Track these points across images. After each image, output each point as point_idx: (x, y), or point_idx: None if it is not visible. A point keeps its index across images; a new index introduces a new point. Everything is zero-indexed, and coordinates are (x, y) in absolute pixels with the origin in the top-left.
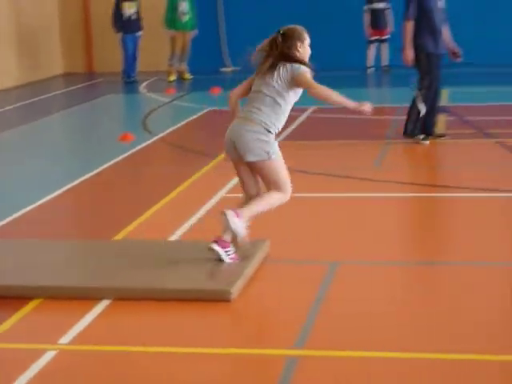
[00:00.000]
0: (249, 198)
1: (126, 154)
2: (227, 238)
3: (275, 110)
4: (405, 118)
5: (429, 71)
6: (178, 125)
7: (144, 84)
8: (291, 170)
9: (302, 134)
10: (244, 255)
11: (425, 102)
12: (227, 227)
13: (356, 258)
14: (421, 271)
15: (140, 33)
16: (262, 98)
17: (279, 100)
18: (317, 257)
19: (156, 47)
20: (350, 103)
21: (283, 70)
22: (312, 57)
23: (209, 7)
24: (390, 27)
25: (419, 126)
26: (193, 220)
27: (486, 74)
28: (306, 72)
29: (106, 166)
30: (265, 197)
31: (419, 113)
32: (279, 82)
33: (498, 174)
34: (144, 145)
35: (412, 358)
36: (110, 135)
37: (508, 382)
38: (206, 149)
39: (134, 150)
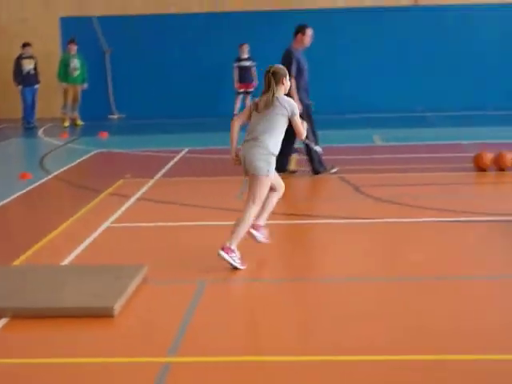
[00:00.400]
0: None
1: (24, 190)
2: (232, 245)
3: (277, 138)
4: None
5: (307, 119)
6: (71, 165)
7: (42, 129)
8: (168, 203)
9: (177, 171)
10: (126, 277)
11: (315, 142)
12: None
13: (220, 277)
14: (273, 287)
15: (37, 85)
16: (267, 128)
17: (281, 130)
18: (188, 277)
19: (51, 98)
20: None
21: (281, 107)
22: (189, 105)
23: (98, 64)
24: (255, 81)
25: (322, 163)
26: (83, 246)
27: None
28: (297, 113)
29: (6, 200)
30: (243, 219)
31: (317, 153)
32: (279, 116)
33: (343, 204)
34: (41, 182)
35: (277, 360)
36: (11, 174)
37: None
38: (94, 185)
39: (32, 187)
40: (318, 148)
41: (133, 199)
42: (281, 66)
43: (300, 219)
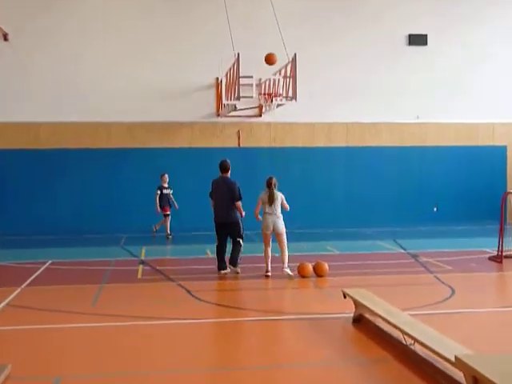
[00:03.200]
0: (268, 246)
1: None
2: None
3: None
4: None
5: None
6: None
7: None
8: (33, 309)
9: (41, 280)
10: None
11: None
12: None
13: (75, 373)
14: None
15: None
16: (277, 207)
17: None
18: (47, 373)
19: None
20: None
21: (279, 196)
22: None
23: None
24: (175, 206)
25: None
26: None
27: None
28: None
29: None
30: (284, 253)
31: (240, 251)
32: (279, 200)
33: (184, 307)
34: None
35: None
36: None
37: None
38: None
39: None
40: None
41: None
42: (272, 176)
43: (150, 321)
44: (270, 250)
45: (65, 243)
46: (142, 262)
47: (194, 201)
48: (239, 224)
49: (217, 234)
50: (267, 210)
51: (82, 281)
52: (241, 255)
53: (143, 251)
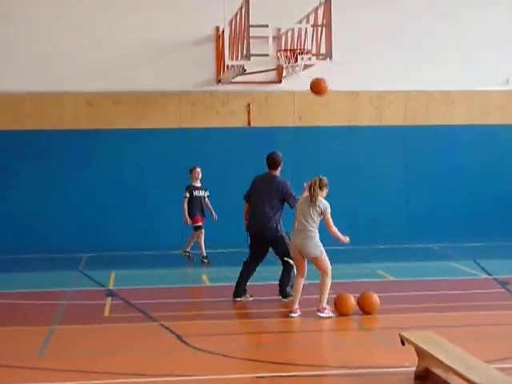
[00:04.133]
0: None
1: None
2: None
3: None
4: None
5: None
6: None
7: None
8: None
9: None
10: None
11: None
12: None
13: None
14: None
15: None
16: (310, 220)
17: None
18: None
19: None
20: None
21: (321, 206)
22: None
23: None
24: (212, 215)
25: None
26: None
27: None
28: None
29: None
30: (322, 286)
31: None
32: (316, 211)
33: (162, 359)
34: None
35: None
36: None
37: None
38: None
39: None
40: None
41: None
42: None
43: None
44: (302, 280)
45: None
46: (111, 294)
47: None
48: (284, 239)
49: (250, 249)
50: (296, 224)
51: (24, 321)
52: (292, 281)
53: (112, 277)
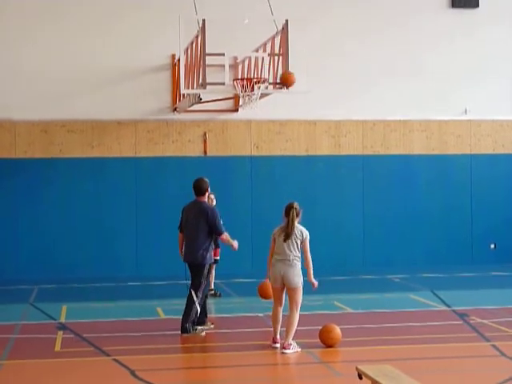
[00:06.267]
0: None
1: None
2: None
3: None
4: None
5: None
6: None
7: None
8: None
9: None
10: None
11: (200, 300)
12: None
13: None
14: None
15: None
16: (292, 249)
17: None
18: None
19: None
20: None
21: (301, 233)
22: None
23: None
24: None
25: (195, 322)
26: None
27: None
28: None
29: None
30: (292, 320)
31: (196, 311)
32: (298, 239)
33: None
34: None
35: None
36: None
37: None
38: None
39: None
40: (198, 308)
41: None
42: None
43: None
44: (280, 310)
45: None
46: (62, 327)
47: (143, 235)
48: (203, 269)
49: (191, 278)
50: (277, 253)
51: None
52: (194, 317)
53: (64, 310)
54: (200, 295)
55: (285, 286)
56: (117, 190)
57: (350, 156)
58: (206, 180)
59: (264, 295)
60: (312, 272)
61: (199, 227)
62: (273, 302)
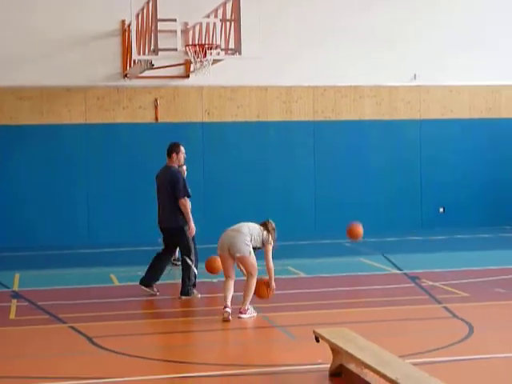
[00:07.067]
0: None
1: None
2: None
3: None
4: None
5: (192, 240)
6: None
7: None
8: None
9: None
10: None
11: (195, 263)
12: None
13: None
14: None
15: None
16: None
17: None
18: None
19: None
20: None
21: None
22: None
23: None
24: None
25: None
26: None
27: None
28: None
29: None
30: (249, 286)
31: (195, 275)
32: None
33: (73, 361)
34: None
35: None
36: None
37: None
38: None
39: None
40: (195, 270)
41: None
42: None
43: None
44: (231, 283)
45: None
46: (16, 296)
47: (95, 203)
48: (185, 232)
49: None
50: (231, 227)
51: None
52: (193, 280)
53: (17, 278)
54: (193, 258)
55: (231, 255)
56: (68, 157)
57: (301, 122)
58: (178, 144)
59: (211, 270)
60: (273, 275)
61: (168, 191)
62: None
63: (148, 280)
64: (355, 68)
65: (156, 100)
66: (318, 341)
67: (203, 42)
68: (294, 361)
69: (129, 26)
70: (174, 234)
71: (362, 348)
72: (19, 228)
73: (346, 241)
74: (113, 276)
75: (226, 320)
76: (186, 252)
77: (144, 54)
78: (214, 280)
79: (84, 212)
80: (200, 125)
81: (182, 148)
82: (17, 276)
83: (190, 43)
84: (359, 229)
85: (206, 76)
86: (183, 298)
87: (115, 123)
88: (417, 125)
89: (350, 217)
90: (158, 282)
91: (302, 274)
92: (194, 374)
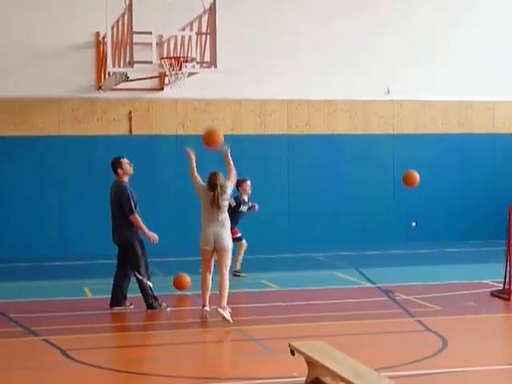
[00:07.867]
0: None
1: None
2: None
3: None
4: None
5: (143, 252)
6: None
7: None
8: None
9: None
10: None
11: (147, 277)
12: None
13: None
14: None
15: None
16: (223, 213)
17: None
18: None
19: None
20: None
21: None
22: None
23: None
24: None
25: (156, 298)
26: None
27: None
28: None
29: None
30: (226, 283)
31: (150, 287)
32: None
33: (47, 374)
34: None
35: None
36: None
37: None
38: None
39: None
40: (149, 283)
41: None
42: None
43: None
44: (210, 277)
45: None
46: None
47: (67, 215)
48: (134, 248)
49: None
50: (207, 217)
51: None
52: (150, 292)
53: None
54: (143, 272)
55: (215, 248)
56: (40, 169)
57: (275, 135)
58: (118, 158)
59: (179, 287)
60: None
61: (115, 206)
62: (202, 269)
63: (116, 301)
64: (329, 82)
65: (130, 112)
66: (293, 354)
67: (179, 55)
68: (269, 374)
69: (103, 37)
70: (123, 249)
71: (338, 361)
72: None
73: (319, 254)
74: (86, 289)
75: (204, 318)
76: (134, 267)
77: (119, 66)
78: (188, 293)
79: (56, 224)
80: (174, 137)
81: (124, 159)
82: None
83: (165, 56)
84: (415, 176)
85: (181, 89)
86: (149, 311)
87: (89, 135)
88: (390, 139)
89: (324, 230)
90: (130, 295)
91: (276, 288)
92: None
